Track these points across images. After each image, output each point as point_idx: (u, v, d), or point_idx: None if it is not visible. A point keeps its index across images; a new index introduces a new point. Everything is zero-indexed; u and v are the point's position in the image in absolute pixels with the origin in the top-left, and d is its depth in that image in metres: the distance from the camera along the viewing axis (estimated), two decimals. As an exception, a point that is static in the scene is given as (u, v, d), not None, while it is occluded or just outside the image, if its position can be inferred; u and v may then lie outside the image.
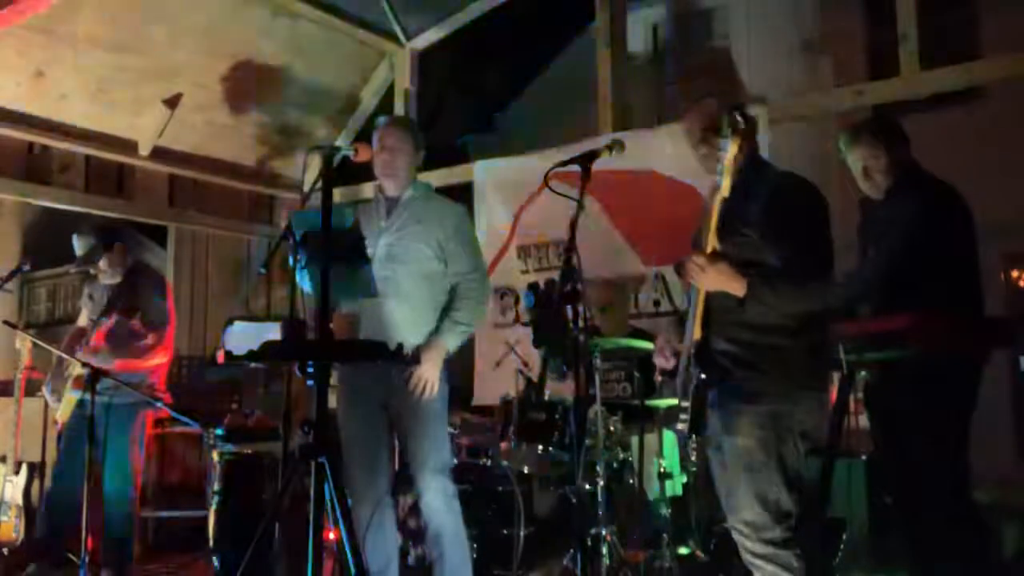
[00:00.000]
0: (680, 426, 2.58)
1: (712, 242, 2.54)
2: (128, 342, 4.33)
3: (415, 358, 3.28)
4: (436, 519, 3.31)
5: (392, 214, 3.50)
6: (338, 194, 5.02)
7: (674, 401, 4.10)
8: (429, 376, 3.30)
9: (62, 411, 4.34)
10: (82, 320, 4.70)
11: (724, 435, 2.56)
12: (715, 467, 2.71)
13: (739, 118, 2.51)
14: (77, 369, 4.20)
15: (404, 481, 4.16)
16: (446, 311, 3.41)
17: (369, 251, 3.41)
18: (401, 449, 3.51)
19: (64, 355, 4.37)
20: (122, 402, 4.19)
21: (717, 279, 2.50)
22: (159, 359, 4.46)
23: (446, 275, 3.44)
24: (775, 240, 2.52)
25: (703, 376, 2.51)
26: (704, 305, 2.55)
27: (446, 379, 3.45)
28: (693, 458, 2.68)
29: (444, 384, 3.42)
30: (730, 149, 2.51)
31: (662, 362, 2.87)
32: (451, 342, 3.38)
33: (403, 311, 3.36)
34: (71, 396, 4.28)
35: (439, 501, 3.30)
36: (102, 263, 4.45)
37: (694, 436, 2.58)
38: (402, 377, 3.30)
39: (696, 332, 2.55)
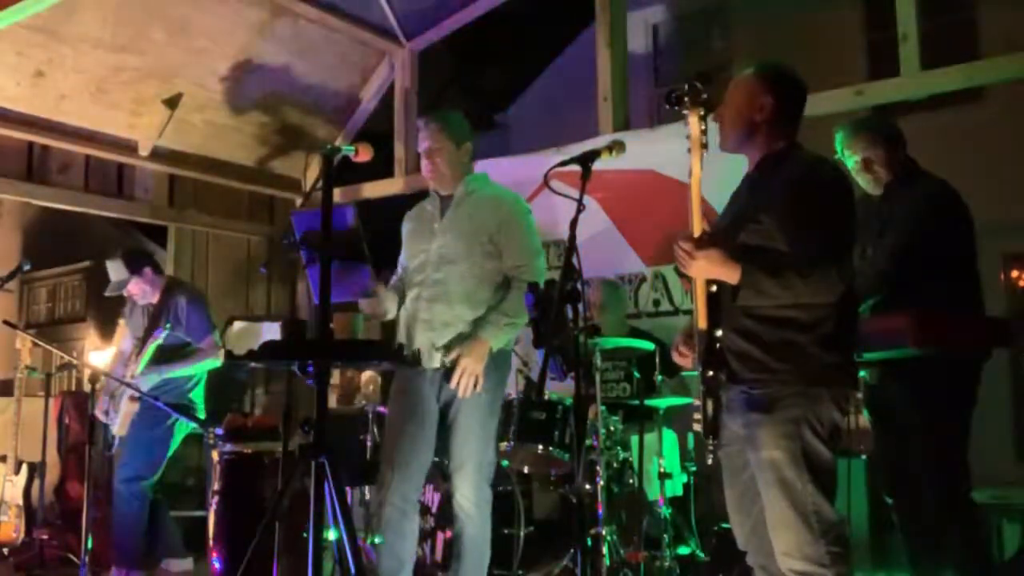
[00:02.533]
0: (696, 426, 2.42)
1: (698, 226, 2.36)
2: (173, 356, 4.53)
3: (417, 360, 3.26)
4: (463, 519, 3.28)
5: (445, 215, 3.41)
6: (338, 194, 5.01)
7: (674, 401, 4.14)
8: (470, 369, 3.19)
9: (120, 424, 4.48)
10: (121, 338, 4.87)
11: (749, 448, 2.39)
12: (727, 472, 2.53)
13: (698, 87, 2.32)
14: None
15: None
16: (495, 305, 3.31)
17: (422, 255, 3.40)
18: (445, 446, 3.37)
19: (92, 367, 4.60)
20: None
21: (706, 266, 2.32)
22: (205, 365, 4.62)
23: (502, 270, 3.34)
24: (787, 222, 2.33)
25: (710, 374, 2.36)
26: (710, 294, 2.36)
27: (501, 381, 3.36)
28: (709, 461, 2.49)
29: (498, 386, 3.34)
30: (692, 124, 2.32)
31: (679, 358, 2.62)
32: (493, 336, 3.24)
33: (453, 314, 3.29)
34: (127, 410, 4.43)
35: (470, 503, 3.26)
36: (133, 287, 4.60)
37: (711, 438, 2.38)
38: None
39: (700, 323, 2.38)
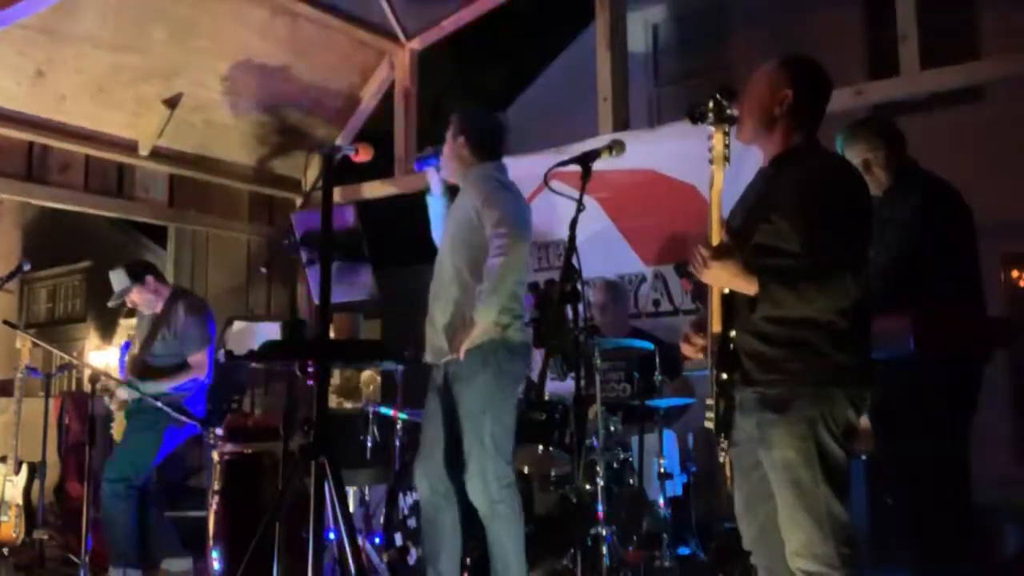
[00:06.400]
0: (707, 424, 2.40)
1: (716, 236, 2.33)
2: (169, 366, 4.61)
3: (414, 358, 3.28)
4: (484, 520, 3.28)
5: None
6: (338, 194, 5.01)
7: (674, 401, 4.14)
8: (459, 339, 3.25)
9: (116, 430, 4.55)
10: (135, 348, 4.94)
11: (761, 448, 2.37)
12: (737, 472, 2.51)
13: (723, 103, 2.28)
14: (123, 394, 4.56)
15: (404, 478, 4.16)
16: None
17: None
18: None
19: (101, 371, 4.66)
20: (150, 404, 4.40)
21: (720, 276, 2.29)
22: (195, 377, 4.65)
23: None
24: (802, 224, 2.29)
25: (724, 376, 2.34)
26: (723, 296, 2.34)
27: (499, 374, 3.27)
28: (720, 459, 2.48)
29: (496, 378, 3.27)
30: (716, 140, 2.29)
31: (688, 350, 2.57)
32: (478, 311, 3.22)
33: (449, 311, 3.36)
34: (119, 416, 4.53)
35: (480, 502, 3.24)
36: (135, 296, 4.67)
37: (722, 435, 2.37)
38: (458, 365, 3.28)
39: (715, 326, 2.34)
